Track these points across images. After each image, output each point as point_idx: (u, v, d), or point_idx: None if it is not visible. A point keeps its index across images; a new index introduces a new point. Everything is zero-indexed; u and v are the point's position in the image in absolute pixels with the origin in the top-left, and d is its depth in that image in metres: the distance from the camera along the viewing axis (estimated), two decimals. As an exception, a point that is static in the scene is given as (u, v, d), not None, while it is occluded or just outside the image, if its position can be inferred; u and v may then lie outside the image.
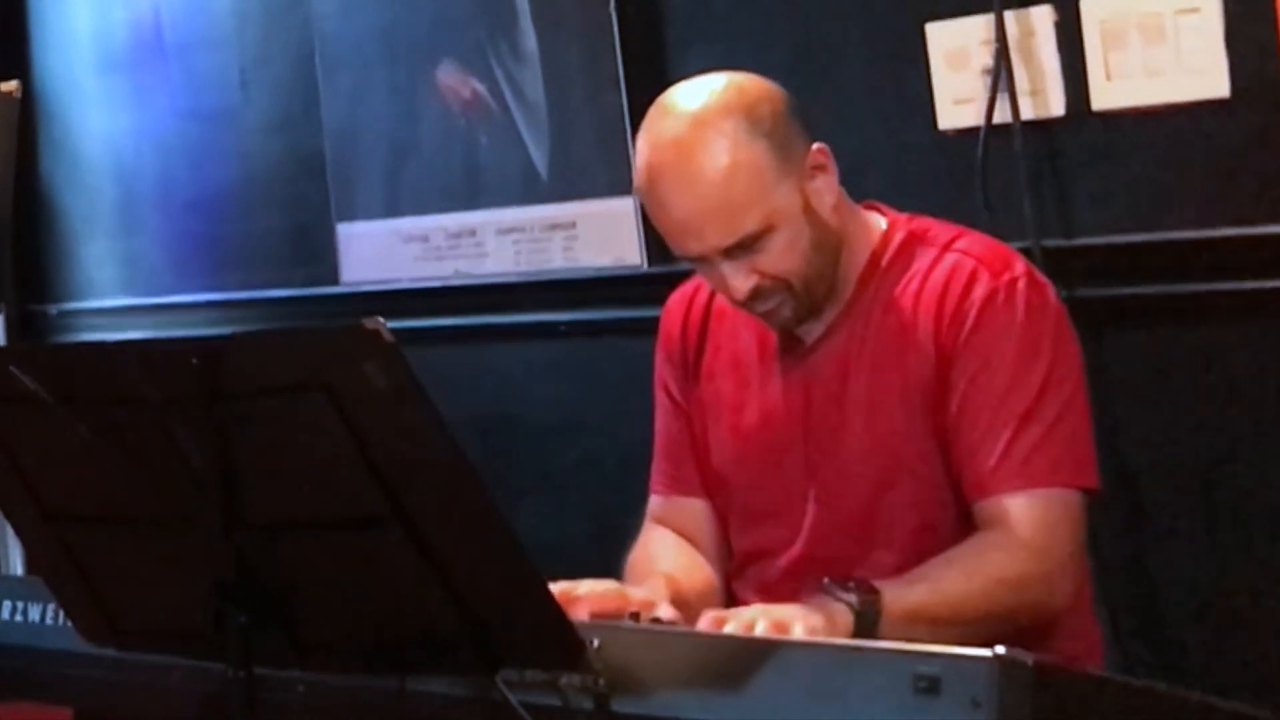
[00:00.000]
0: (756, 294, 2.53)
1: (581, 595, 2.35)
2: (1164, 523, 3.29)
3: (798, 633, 2.18)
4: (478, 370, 4.32)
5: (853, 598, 2.29)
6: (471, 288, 4.30)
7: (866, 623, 2.28)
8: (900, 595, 2.33)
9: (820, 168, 2.55)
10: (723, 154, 2.47)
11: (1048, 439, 2.48)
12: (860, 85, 3.56)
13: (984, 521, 2.48)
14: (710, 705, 1.95)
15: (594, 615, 2.31)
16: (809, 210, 2.53)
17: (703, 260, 2.53)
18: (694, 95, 2.54)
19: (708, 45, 3.65)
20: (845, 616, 2.28)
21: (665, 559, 2.67)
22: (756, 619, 2.20)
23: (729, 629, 2.20)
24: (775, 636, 2.13)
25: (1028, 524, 2.45)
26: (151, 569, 2.18)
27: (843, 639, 2.22)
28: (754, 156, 2.48)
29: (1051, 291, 2.59)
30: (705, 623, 2.26)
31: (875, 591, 2.31)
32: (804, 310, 2.57)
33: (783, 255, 2.51)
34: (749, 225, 2.48)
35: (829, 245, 2.55)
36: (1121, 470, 3.28)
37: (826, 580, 2.32)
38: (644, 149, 2.53)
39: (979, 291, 2.53)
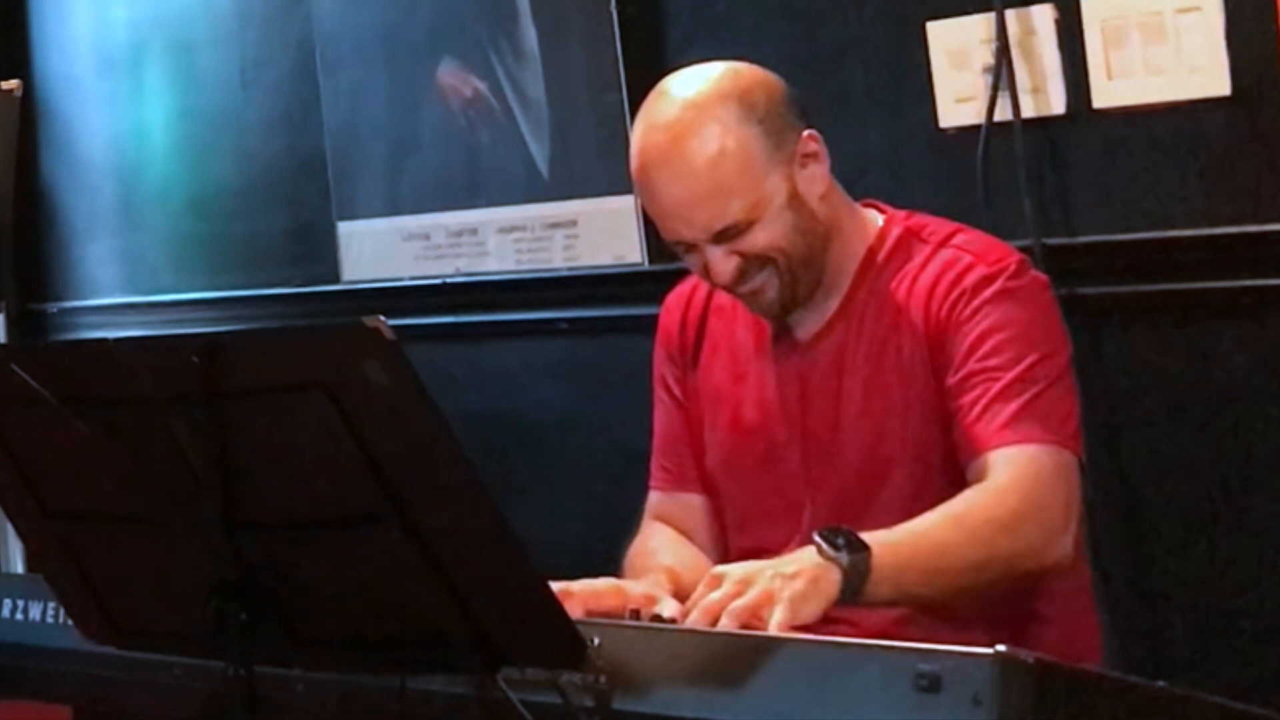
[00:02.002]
0: (741, 275, 2.53)
1: (576, 591, 2.35)
2: (1164, 522, 3.29)
3: (774, 625, 2.16)
4: (478, 368, 4.32)
5: (843, 556, 2.26)
6: (472, 286, 4.30)
7: (855, 580, 2.26)
8: (889, 549, 2.31)
9: (812, 155, 2.55)
10: (714, 140, 2.49)
11: (1037, 402, 2.47)
12: (861, 84, 3.56)
13: (977, 479, 2.46)
14: (711, 703, 1.95)
15: (592, 612, 2.32)
16: (796, 198, 2.53)
17: (691, 247, 2.54)
18: (689, 82, 2.55)
19: (708, 44, 3.65)
20: (834, 574, 2.24)
21: (665, 553, 2.67)
22: (733, 606, 2.17)
23: (695, 616, 2.19)
24: (770, 634, 2.12)
25: (1018, 472, 2.43)
26: (152, 567, 2.18)
27: (829, 599, 2.22)
28: (745, 143, 2.49)
29: (1045, 283, 2.60)
30: (703, 585, 2.25)
31: (865, 548, 2.28)
32: (789, 294, 2.57)
33: (767, 239, 2.52)
34: (737, 212, 2.50)
35: (815, 233, 2.56)
36: (1121, 469, 3.28)
37: (816, 535, 2.29)
38: (638, 134, 2.55)
39: (972, 278, 2.53)
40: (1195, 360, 3.22)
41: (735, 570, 2.26)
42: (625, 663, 2.00)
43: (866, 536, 2.30)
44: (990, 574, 2.39)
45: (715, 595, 2.21)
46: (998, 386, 2.48)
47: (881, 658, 1.88)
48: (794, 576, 2.22)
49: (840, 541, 2.27)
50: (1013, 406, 2.47)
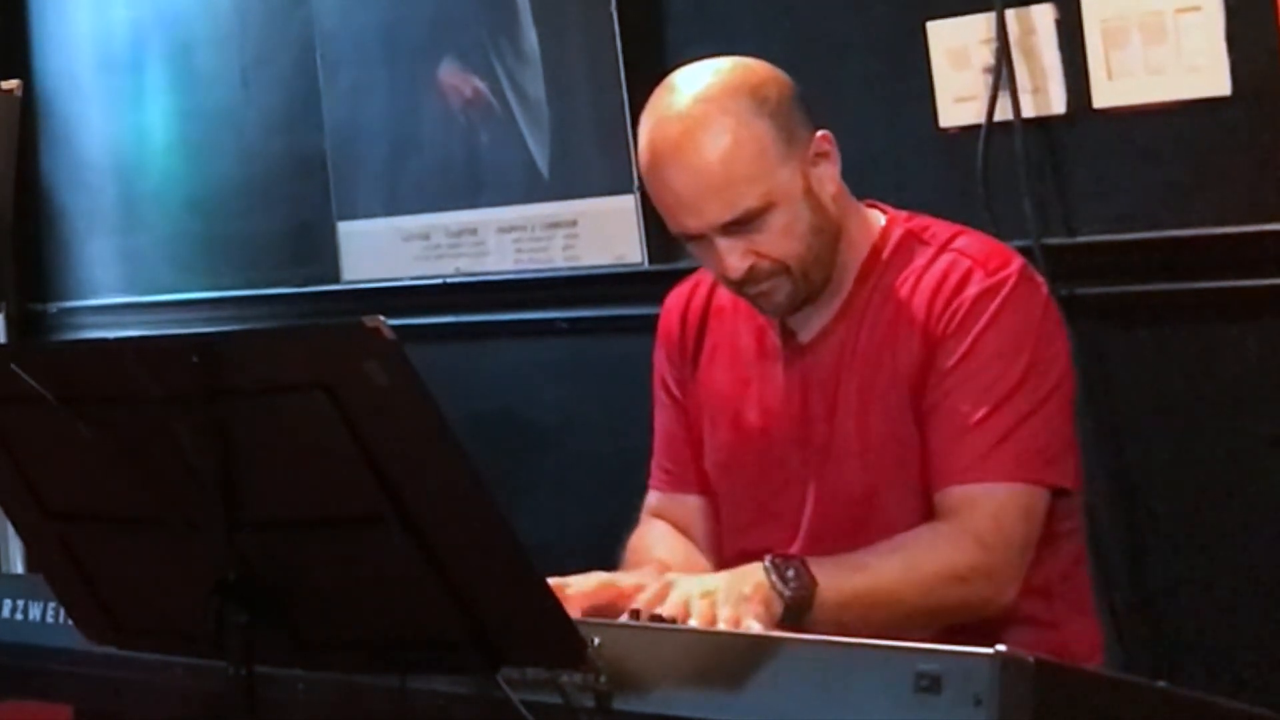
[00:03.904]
0: (752, 275, 2.53)
1: (571, 594, 2.35)
2: (1164, 522, 3.29)
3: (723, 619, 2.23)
4: (478, 368, 4.32)
5: (787, 591, 2.31)
6: (472, 286, 4.30)
7: (794, 612, 2.32)
8: (837, 583, 2.35)
9: (824, 155, 2.55)
10: (726, 132, 2.48)
11: (1014, 434, 2.47)
12: (861, 84, 3.56)
13: (940, 511, 2.47)
14: (711, 703, 1.95)
15: (588, 610, 2.32)
16: (810, 194, 2.53)
17: (700, 238, 2.53)
18: (700, 75, 2.54)
19: (708, 44, 3.64)
20: (777, 604, 2.31)
21: (660, 547, 2.69)
22: (694, 611, 2.24)
23: (668, 608, 2.24)
24: (770, 634, 2.14)
25: (979, 517, 2.44)
26: (152, 567, 2.18)
27: (772, 621, 2.28)
28: (757, 135, 2.49)
29: (1044, 290, 2.59)
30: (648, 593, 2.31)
31: (811, 583, 2.33)
32: (799, 296, 2.56)
33: (781, 236, 2.51)
34: (749, 202, 2.48)
35: (828, 232, 2.55)
36: (1121, 469, 3.28)
37: (768, 562, 2.34)
38: (648, 126, 2.54)
39: (971, 289, 2.52)
40: (1195, 360, 3.22)
41: (693, 585, 2.31)
42: (625, 663, 2.00)
43: (816, 568, 2.34)
44: (932, 620, 2.41)
45: (703, 610, 2.24)
46: (976, 416, 2.47)
47: (881, 658, 1.88)
48: (749, 599, 2.28)
49: (790, 575, 2.33)
50: (986, 441, 2.46)
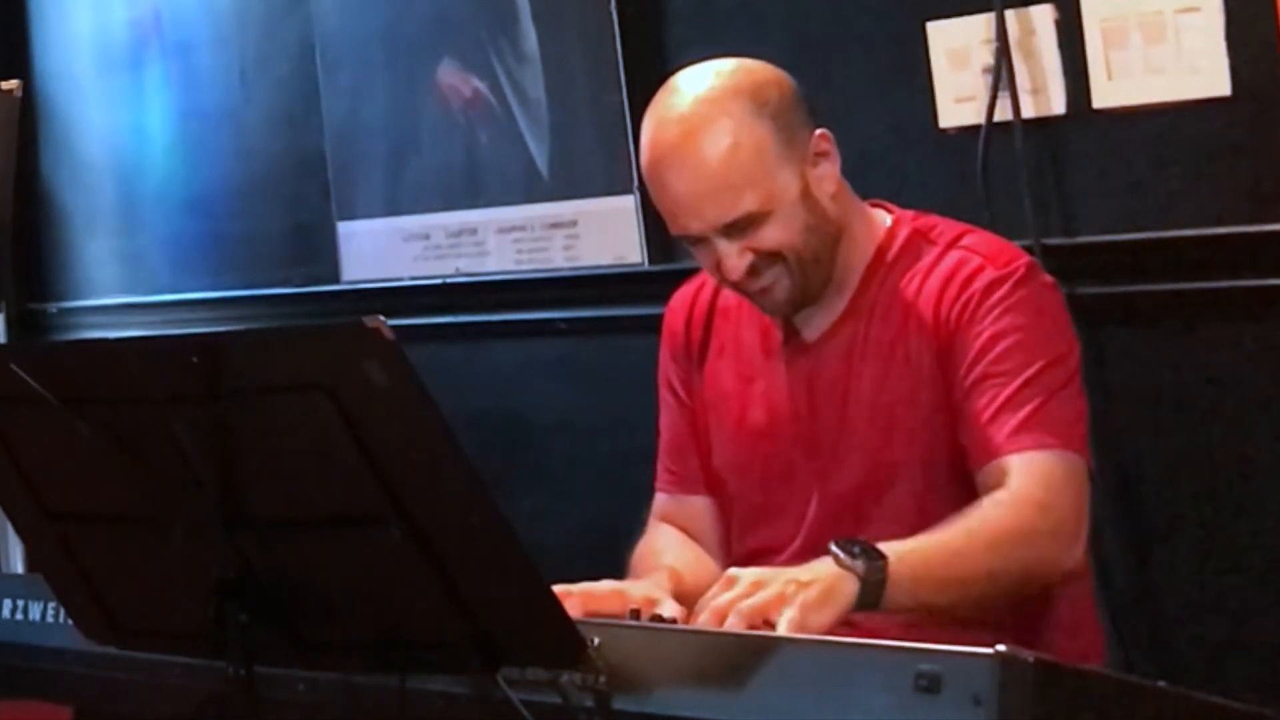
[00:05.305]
0: (752, 271, 2.53)
1: (576, 593, 2.35)
2: (1164, 522, 3.29)
3: (784, 624, 2.15)
4: (478, 369, 4.32)
5: (860, 565, 2.25)
6: (472, 286, 4.30)
7: (872, 589, 2.26)
8: (905, 559, 2.30)
9: (823, 154, 2.56)
10: (726, 134, 2.49)
11: (1046, 407, 2.48)
12: (861, 84, 3.56)
13: (988, 486, 2.46)
14: (711, 703, 1.95)
15: (591, 614, 2.32)
16: (808, 195, 2.54)
17: (701, 240, 2.54)
18: (701, 77, 2.55)
19: (708, 44, 3.63)
20: (851, 584, 2.24)
21: (669, 554, 2.67)
22: (742, 606, 2.17)
23: (704, 617, 2.19)
24: (770, 634, 2.12)
25: (1031, 480, 2.44)
26: (152, 567, 2.18)
27: (843, 608, 2.22)
28: (757, 138, 2.49)
29: (1053, 285, 2.60)
30: (717, 585, 2.25)
31: (882, 557, 2.27)
32: (799, 291, 2.57)
33: (778, 236, 2.52)
34: (748, 204, 2.49)
35: (826, 231, 2.56)
36: (1121, 469, 3.28)
37: (833, 545, 2.28)
38: (649, 128, 2.55)
39: (980, 281, 2.54)
40: (1195, 360, 3.21)
41: (749, 573, 2.25)
42: (625, 663, 2.00)
43: (883, 546, 2.30)
44: (1005, 584, 2.39)
45: (727, 595, 2.20)
46: (1007, 392, 2.48)
47: (881, 658, 1.88)
48: (809, 584, 2.21)
49: (857, 550, 2.27)
50: (1023, 413, 2.47)
